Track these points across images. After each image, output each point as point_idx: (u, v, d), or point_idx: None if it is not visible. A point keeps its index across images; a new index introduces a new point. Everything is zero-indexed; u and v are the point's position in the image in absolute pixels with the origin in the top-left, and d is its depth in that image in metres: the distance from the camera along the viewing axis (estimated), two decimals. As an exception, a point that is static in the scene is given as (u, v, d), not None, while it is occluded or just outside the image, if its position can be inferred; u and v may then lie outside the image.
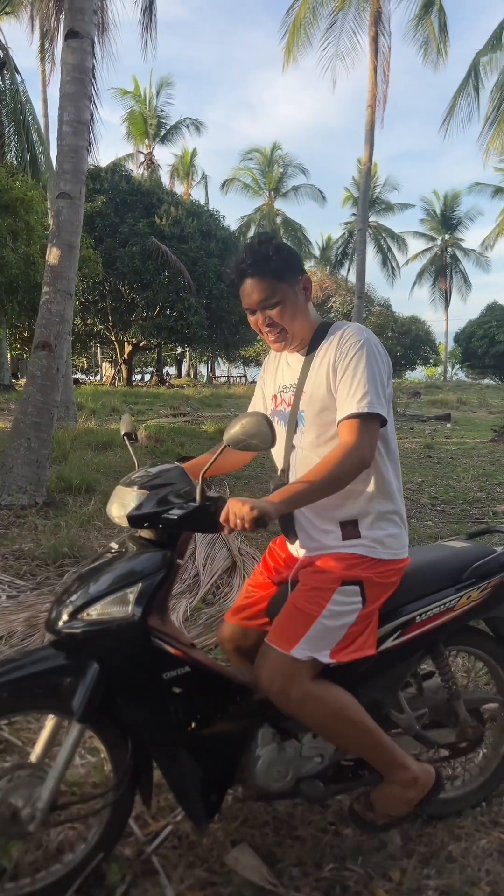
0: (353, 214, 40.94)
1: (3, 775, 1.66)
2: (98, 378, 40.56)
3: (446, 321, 53.35)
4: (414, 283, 52.32)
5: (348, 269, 47.23)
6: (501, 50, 14.98)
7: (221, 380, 50.71)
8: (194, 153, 42.93)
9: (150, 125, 38.21)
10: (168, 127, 39.27)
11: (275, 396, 2.09)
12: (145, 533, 1.81)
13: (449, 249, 50.86)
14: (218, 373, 54.92)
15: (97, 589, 1.72)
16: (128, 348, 30.52)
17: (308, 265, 48.41)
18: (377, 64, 16.96)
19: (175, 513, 1.72)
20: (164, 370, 41.85)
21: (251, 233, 40.99)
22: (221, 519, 1.65)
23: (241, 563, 4.36)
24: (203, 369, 53.30)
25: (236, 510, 1.63)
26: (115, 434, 9.68)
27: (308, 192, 43.16)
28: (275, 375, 2.12)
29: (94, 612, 1.69)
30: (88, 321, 28.40)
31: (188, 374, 46.94)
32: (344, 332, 1.90)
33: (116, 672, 1.70)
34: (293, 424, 1.98)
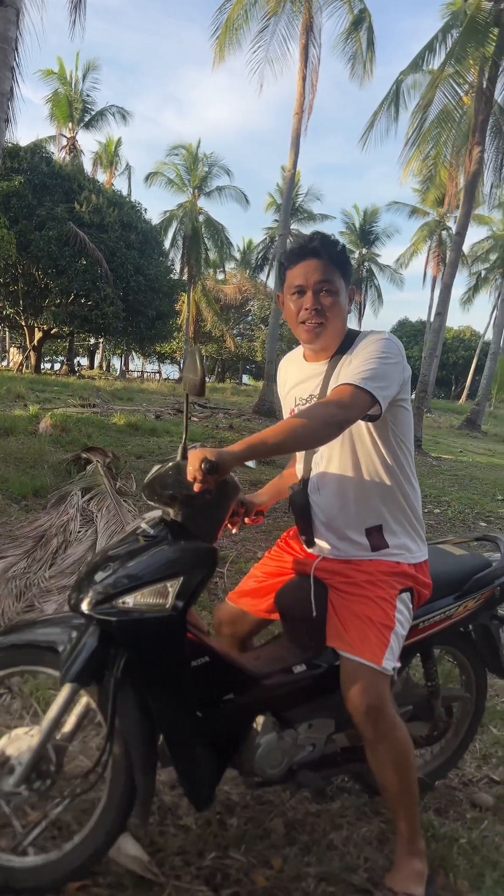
0: (276, 220, 41.39)
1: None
2: (5, 364, 38.94)
3: (359, 333, 54.78)
4: (330, 293, 53.18)
5: (268, 275, 47.65)
6: (423, 73, 15.50)
7: (135, 374, 49.95)
8: (119, 142, 41.93)
9: (74, 109, 36.97)
10: (93, 113, 38.16)
11: (292, 410, 2.02)
12: (181, 517, 1.73)
13: (365, 263, 52.23)
14: (132, 367, 54.09)
15: (135, 576, 1.65)
16: (38, 335, 29.43)
17: (228, 267, 48.61)
18: (306, 73, 17.25)
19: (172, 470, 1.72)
20: (76, 360, 40.77)
21: (173, 227, 40.51)
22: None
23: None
24: (116, 362, 52.29)
25: (194, 461, 1.53)
26: (17, 420, 9.32)
27: (232, 193, 42.96)
28: (292, 386, 2.07)
29: (131, 600, 1.63)
30: (-3, 304, 27.29)
31: (100, 367, 45.82)
32: (372, 332, 1.91)
33: (145, 662, 1.67)
34: None
